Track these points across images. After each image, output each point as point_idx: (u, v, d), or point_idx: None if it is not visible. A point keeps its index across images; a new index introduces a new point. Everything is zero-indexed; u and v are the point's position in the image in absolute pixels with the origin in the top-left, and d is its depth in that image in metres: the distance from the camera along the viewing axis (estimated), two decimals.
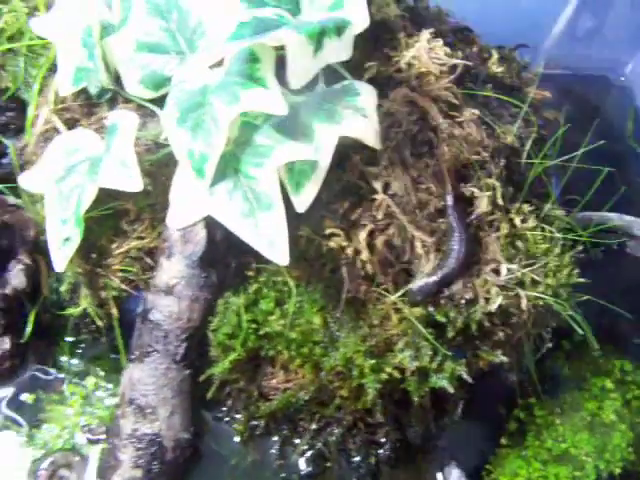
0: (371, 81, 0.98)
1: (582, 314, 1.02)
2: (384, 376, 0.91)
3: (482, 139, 0.99)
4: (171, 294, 0.92)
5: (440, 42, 1.02)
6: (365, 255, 0.91)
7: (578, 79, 1.35)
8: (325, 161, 0.86)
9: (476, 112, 1.00)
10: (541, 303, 0.95)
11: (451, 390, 0.92)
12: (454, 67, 1.00)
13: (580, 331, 0.93)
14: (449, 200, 0.94)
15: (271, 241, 0.82)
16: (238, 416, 1.01)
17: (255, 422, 1.02)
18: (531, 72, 1.17)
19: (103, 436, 1.02)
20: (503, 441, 1.02)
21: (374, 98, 0.92)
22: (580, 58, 1.33)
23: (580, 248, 1.02)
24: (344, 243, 0.92)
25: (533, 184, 1.04)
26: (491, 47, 1.15)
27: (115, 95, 1.01)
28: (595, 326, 1.05)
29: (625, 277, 1.11)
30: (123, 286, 0.98)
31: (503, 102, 1.07)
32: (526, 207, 1.00)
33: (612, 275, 1.10)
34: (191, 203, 0.89)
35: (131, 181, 0.87)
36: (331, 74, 0.96)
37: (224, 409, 1.02)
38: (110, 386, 1.05)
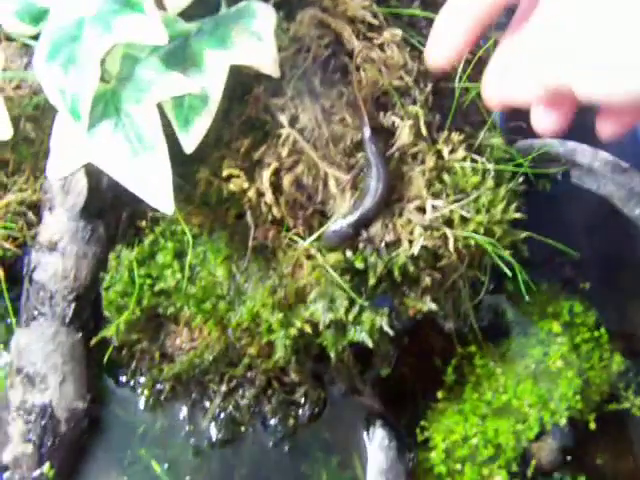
0: (281, 2, 0.87)
1: (527, 251, 0.92)
2: (294, 331, 0.81)
3: (405, 62, 0.88)
4: (55, 251, 0.83)
5: None
6: (269, 197, 0.82)
7: None
8: (216, 93, 0.76)
9: (398, 32, 0.89)
10: (473, 243, 0.85)
11: (370, 344, 0.82)
12: None
13: (509, 272, 0.83)
14: (366, 132, 0.84)
15: (154, 187, 0.73)
16: (143, 380, 0.93)
17: (160, 386, 0.93)
18: None
19: None
20: (439, 395, 0.93)
21: (272, 20, 0.81)
22: None
23: (521, 180, 0.91)
24: (245, 185, 0.82)
25: (468, 110, 0.94)
26: None
27: None
28: (542, 264, 0.96)
29: (573, 211, 1.00)
30: (7, 245, 0.89)
31: (433, 20, 0.95)
32: (456, 136, 0.89)
33: (560, 209, 0.99)
34: (70, 149, 0.79)
35: None
36: None
37: (128, 372, 0.93)
38: (5, 354, 0.96)
